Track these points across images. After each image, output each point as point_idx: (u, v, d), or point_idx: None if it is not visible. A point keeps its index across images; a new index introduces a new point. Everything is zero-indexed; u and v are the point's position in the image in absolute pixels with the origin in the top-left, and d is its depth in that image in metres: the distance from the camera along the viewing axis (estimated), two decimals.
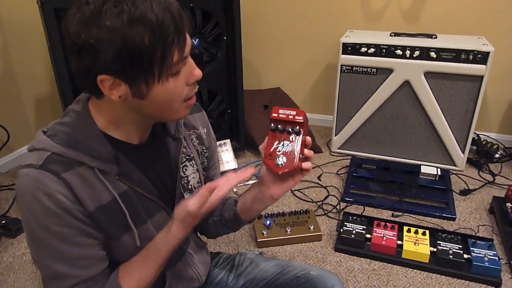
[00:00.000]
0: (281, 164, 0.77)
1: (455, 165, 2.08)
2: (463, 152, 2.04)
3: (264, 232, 1.61)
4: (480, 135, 2.28)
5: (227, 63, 2.07)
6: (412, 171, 1.99)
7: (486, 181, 2.00)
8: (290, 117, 0.77)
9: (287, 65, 2.61)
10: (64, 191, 0.66)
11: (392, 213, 1.79)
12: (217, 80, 2.08)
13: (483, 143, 2.23)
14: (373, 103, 2.08)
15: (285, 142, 0.78)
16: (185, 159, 0.86)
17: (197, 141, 0.90)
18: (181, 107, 0.72)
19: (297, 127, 0.77)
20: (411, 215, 1.78)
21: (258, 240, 1.59)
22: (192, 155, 0.88)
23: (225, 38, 2.01)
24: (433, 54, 1.89)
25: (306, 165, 0.79)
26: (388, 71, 2.00)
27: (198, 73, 0.71)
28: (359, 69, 2.05)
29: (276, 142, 0.78)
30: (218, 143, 2.11)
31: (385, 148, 2.18)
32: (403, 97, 2.04)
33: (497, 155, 2.18)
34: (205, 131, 0.93)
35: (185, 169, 0.87)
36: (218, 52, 2.02)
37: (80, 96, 0.76)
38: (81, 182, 0.68)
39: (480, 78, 1.86)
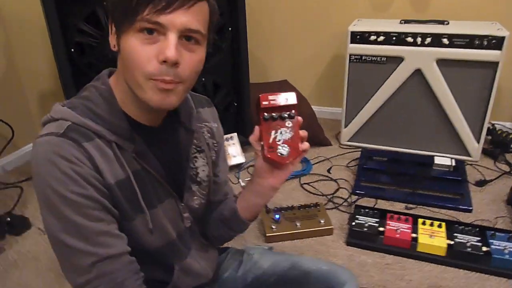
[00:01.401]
0: (285, 154, 0.73)
1: (469, 156, 2.01)
2: (478, 142, 1.97)
3: (273, 226, 1.57)
4: (495, 124, 2.21)
5: (232, 55, 2.03)
6: (424, 163, 1.93)
7: (503, 172, 1.93)
8: (283, 101, 0.72)
9: (294, 56, 2.57)
10: (84, 160, 0.65)
11: (406, 206, 1.73)
12: (222, 73, 2.04)
13: (498, 132, 2.16)
14: (383, 93, 2.03)
15: (282, 129, 0.73)
16: (195, 151, 0.85)
17: (209, 134, 0.89)
18: (146, 83, 0.66)
19: (293, 111, 0.73)
20: (425, 207, 1.72)
21: (267, 234, 1.55)
22: (203, 148, 0.86)
23: (229, 29, 1.96)
24: (445, 41, 1.83)
25: (304, 146, 0.75)
26: (399, 60, 1.94)
27: (169, 53, 0.63)
28: (368, 58, 1.99)
29: (273, 131, 0.73)
30: (225, 136, 2.07)
31: (396, 139, 2.12)
32: (414, 86, 1.97)
33: None
34: (216, 125, 0.91)
35: (195, 160, 0.85)
36: (223, 44, 1.98)
37: (100, 73, 0.75)
38: (101, 155, 0.68)
39: (495, 64, 1.79)
